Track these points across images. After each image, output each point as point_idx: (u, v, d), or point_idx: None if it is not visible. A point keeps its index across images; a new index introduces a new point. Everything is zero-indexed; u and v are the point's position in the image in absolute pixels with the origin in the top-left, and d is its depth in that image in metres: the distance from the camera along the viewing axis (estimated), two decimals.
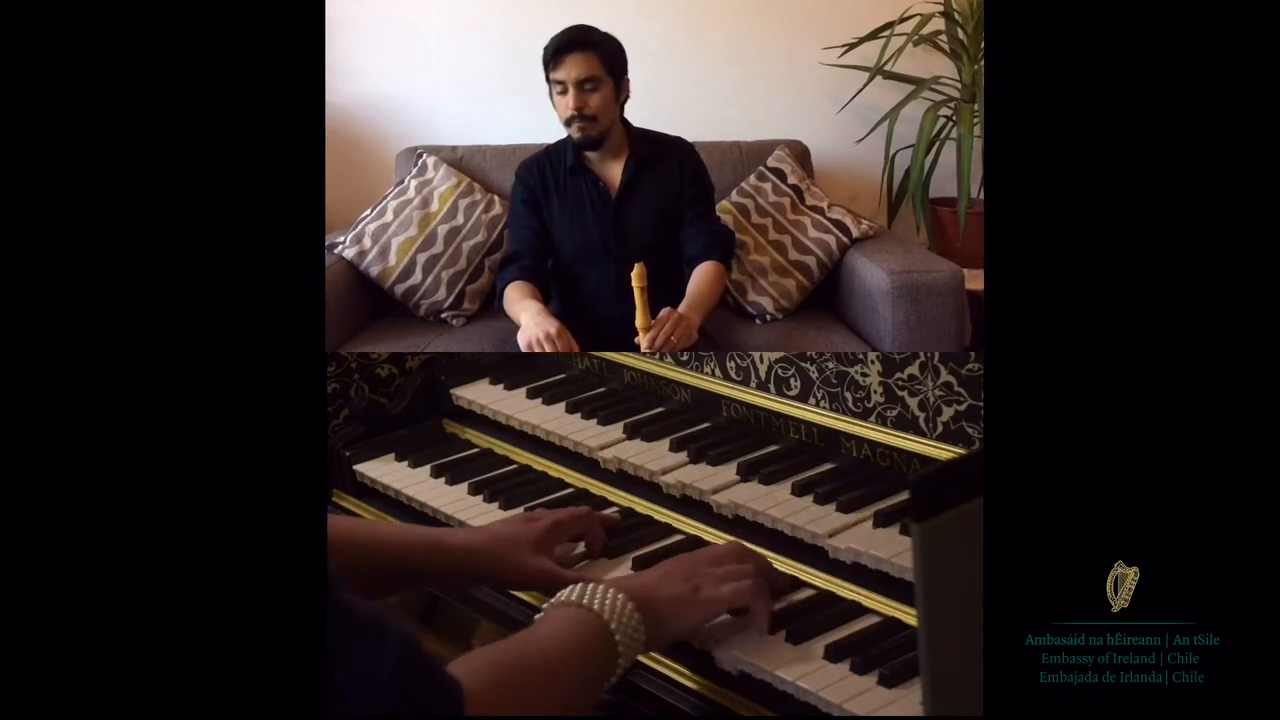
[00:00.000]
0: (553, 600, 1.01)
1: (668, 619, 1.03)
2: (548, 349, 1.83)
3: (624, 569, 1.21)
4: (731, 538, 1.23)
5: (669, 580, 1.05)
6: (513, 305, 2.04)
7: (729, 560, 1.11)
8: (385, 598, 1.31)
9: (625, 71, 2.12)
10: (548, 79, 2.09)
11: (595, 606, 0.99)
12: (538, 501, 1.34)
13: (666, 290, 2.22)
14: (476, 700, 0.86)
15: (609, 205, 2.16)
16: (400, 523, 1.37)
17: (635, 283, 1.82)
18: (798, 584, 1.16)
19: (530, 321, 1.90)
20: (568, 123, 2.08)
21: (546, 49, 2.06)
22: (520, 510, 1.32)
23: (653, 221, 2.15)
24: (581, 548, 1.25)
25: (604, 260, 2.17)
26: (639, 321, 1.84)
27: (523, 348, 1.88)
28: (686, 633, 1.06)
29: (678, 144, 2.24)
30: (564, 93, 2.05)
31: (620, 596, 1.00)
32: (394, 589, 1.28)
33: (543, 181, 2.18)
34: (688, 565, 1.08)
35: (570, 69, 2.03)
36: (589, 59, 2.04)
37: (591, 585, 1.01)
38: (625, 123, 2.19)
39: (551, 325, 1.86)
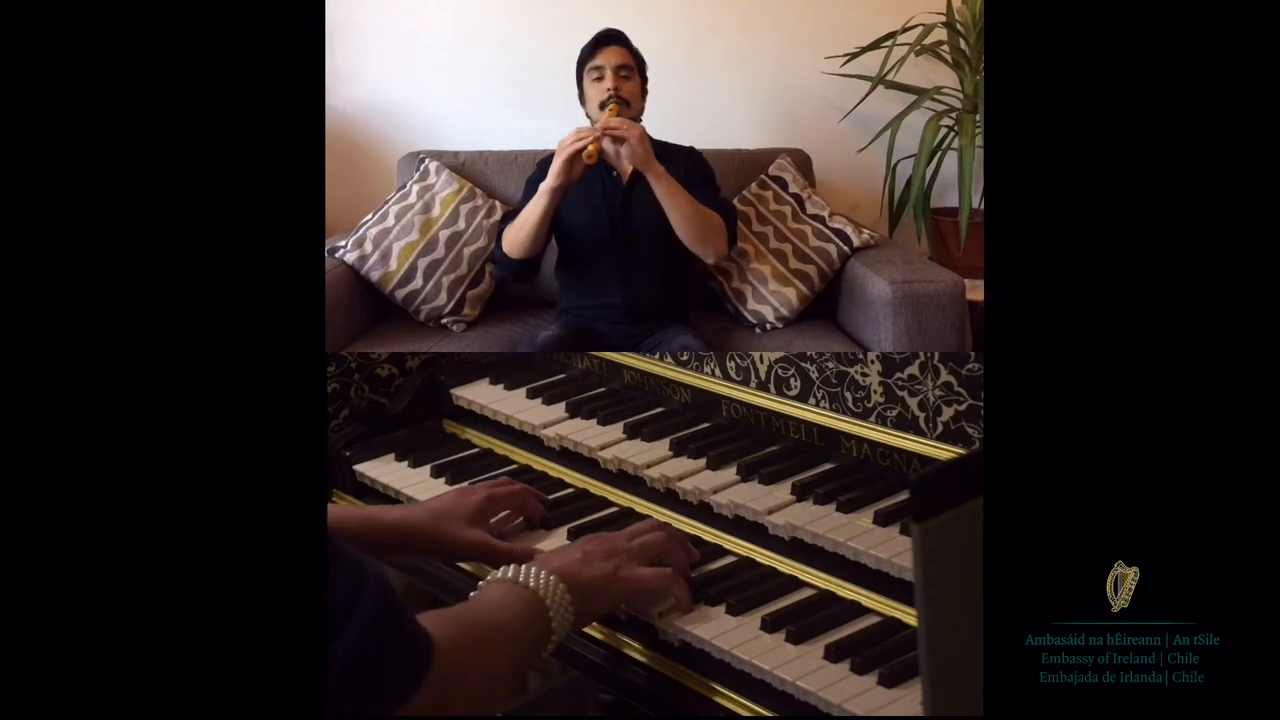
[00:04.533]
0: (489, 578, 1.05)
1: (593, 600, 1.07)
2: (588, 136, 2.02)
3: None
4: (731, 537, 1.23)
5: (590, 561, 1.09)
6: (517, 220, 2.19)
7: (644, 532, 1.16)
8: None
9: (647, 77, 2.34)
10: (583, 69, 2.28)
11: (528, 583, 1.03)
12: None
13: (668, 285, 2.29)
14: (443, 658, 0.89)
15: (619, 190, 2.25)
16: (339, 505, 1.38)
17: (608, 111, 2.14)
18: (797, 583, 1.16)
19: (552, 166, 2.06)
20: (603, 104, 2.21)
21: (586, 47, 2.29)
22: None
23: (659, 210, 2.16)
24: (521, 521, 1.30)
25: (609, 242, 2.25)
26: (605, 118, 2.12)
27: (563, 155, 2.03)
28: (608, 610, 1.12)
29: (683, 149, 2.37)
30: (600, 78, 2.24)
31: (552, 577, 1.04)
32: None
33: None
34: (606, 545, 1.12)
35: (610, 56, 2.25)
36: (624, 51, 2.28)
37: (525, 566, 1.05)
38: None
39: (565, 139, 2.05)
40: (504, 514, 1.28)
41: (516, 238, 2.17)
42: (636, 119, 2.26)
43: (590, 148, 2.01)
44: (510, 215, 2.29)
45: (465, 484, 1.37)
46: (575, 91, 2.34)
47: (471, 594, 1.05)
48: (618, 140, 2.06)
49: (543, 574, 1.04)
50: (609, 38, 2.29)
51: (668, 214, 2.12)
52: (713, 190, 2.32)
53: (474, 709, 0.94)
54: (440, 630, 0.90)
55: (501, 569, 1.05)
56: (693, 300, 2.43)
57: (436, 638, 0.89)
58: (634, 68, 2.28)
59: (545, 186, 2.08)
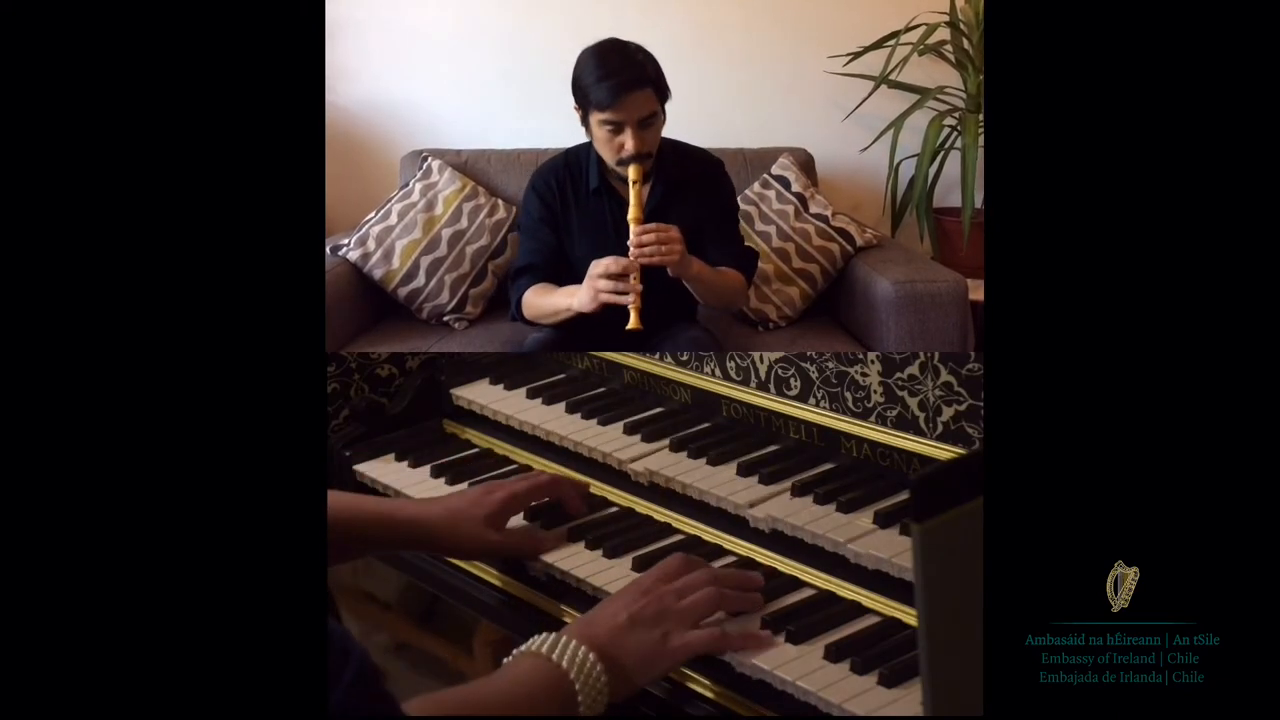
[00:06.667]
0: (520, 649, 1.00)
1: (634, 673, 1.01)
2: (614, 272, 1.78)
3: (624, 568, 1.21)
4: (731, 537, 1.23)
5: (635, 628, 1.02)
6: (544, 299, 1.96)
7: (696, 586, 1.08)
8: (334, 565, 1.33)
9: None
10: (589, 113, 1.92)
11: (561, 661, 0.98)
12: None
13: (675, 303, 2.10)
14: None
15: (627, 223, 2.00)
16: (353, 494, 1.37)
17: (632, 176, 1.84)
18: (797, 583, 1.16)
19: (583, 286, 1.82)
20: (623, 162, 1.91)
21: (595, 87, 1.87)
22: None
23: None
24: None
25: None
26: (632, 214, 1.84)
27: (597, 298, 1.81)
28: (652, 681, 1.04)
29: (705, 163, 2.12)
30: (618, 132, 1.89)
31: (589, 654, 0.98)
32: (344, 557, 1.29)
33: (562, 200, 2.06)
34: (654, 605, 1.05)
35: (631, 110, 1.87)
36: (648, 96, 1.89)
37: (559, 637, 1.00)
38: None
39: (600, 264, 1.81)
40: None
41: (538, 318, 1.99)
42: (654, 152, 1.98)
43: (635, 320, 1.80)
44: (521, 273, 2.05)
45: (483, 481, 1.35)
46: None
47: (505, 661, 1.00)
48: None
49: (580, 650, 0.98)
50: (627, 84, 1.85)
51: (694, 293, 1.97)
52: (732, 229, 2.13)
53: None
54: (428, 712, 0.88)
55: (536, 639, 1.00)
56: (698, 302, 2.40)
57: None
58: (658, 109, 1.90)
59: (576, 306, 1.86)
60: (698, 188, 2.06)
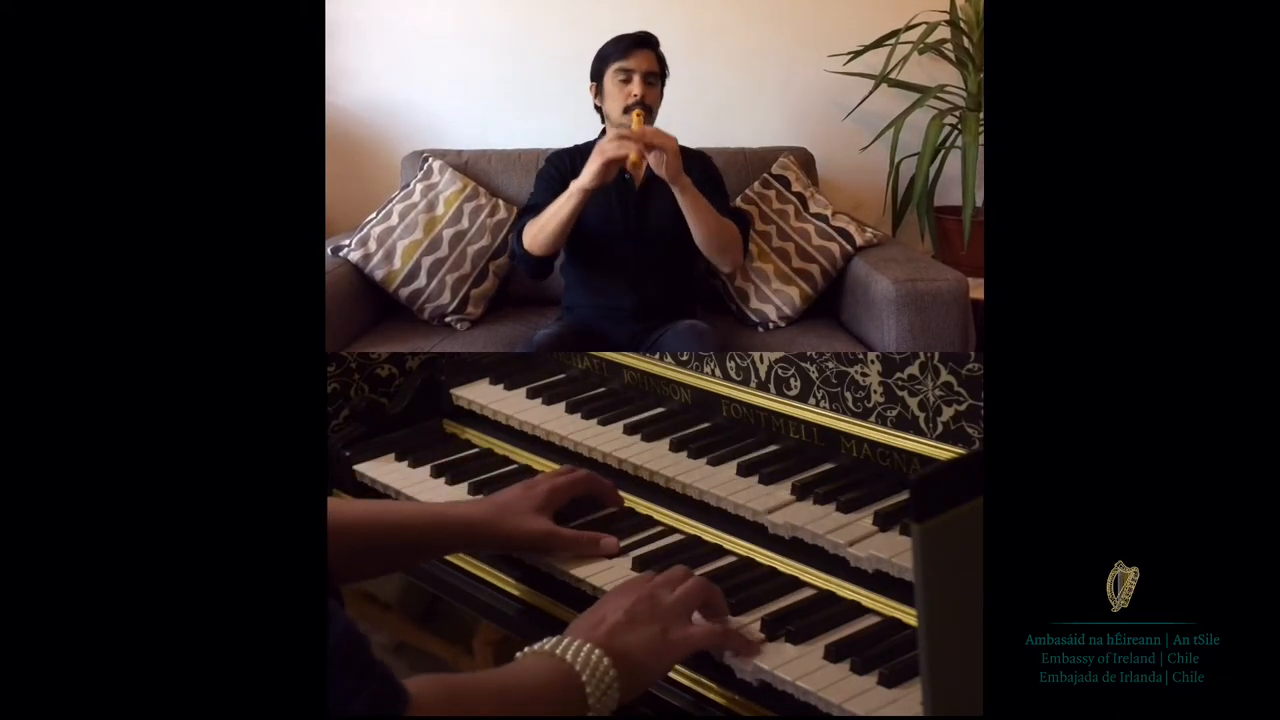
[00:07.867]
0: (529, 648, 1.00)
1: (642, 670, 1.01)
2: (631, 143, 1.98)
3: (624, 567, 1.21)
4: (731, 537, 1.23)
5: (635, 625, 1.02)
6: (543, 214, 2.12)
7: (680, 579, 1.09)
8: (392, 573, 1.38)
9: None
10: (607, 66, 2.22)
11: (566, 656, 0.97)
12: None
13: (676, 287, 2.28)
14: (423, 714, 0.86)
15: (634, 191, 2.22)
16: (402, 501, 1.38)
17: (635, 114, 2.10)
18: (797, 583, 1.16)
19: (586, 166, 2.01)
20: (628, 109, 2.16)
21: (614, 44, 2.23)
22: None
23: (672, 213, 2.14)
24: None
25: (622, 244, 2.22)
26: (634, 124, 2.07)
27: (604, 155, 1.99)
28: (659, 678, 1.05)
29: (699, 155, 2.33)
30: (628, 80, 2.20)
31: (597, 652, 0.98)
32: (399, 565, 1.31)
33: (574, 169, 2.20)
34: (648, 601, 1.05)
35: (641, 61, 2.20)
36: (655, 57, 2.24)
37: (568, 639, 0.99)
38: None
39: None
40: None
41: (540, 236, 2.12)
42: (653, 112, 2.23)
43: (634, 156, 1.98)
44: (526, 212, 2.24)
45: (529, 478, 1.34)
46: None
47: (515, 658, 1.00)
48: (651, 148, 2.01)
49: (585, 647, 0.98)
50: (643, 41, 2.23)
51: (691, 226, 2.10)
52: (725, 200, 2.29)
53: None
54: (428, 690, 0.88)
55: (545, 640, 1.00)
56: (698, 299, 2.43)
57: (420, 695, 0.86)
58: (659, 75, 2.24)
59: (577, 187, 2.04)
60: (693, 173, 2.20)
